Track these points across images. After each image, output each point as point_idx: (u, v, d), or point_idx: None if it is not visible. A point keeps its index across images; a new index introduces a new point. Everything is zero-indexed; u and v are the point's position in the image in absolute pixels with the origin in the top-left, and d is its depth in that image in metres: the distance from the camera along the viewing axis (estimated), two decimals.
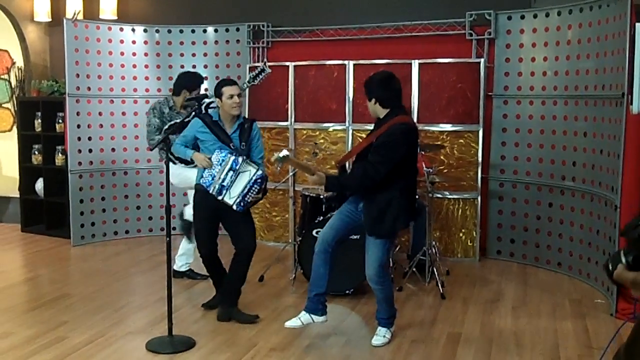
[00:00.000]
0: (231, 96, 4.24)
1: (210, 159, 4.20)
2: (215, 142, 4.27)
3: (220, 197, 4.20)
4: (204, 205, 4.31)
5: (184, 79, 5.15)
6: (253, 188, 4.14)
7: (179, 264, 5.30)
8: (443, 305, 4.68)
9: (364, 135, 5.93)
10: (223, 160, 4.19)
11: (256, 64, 5.00)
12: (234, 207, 4.16)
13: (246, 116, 4.41)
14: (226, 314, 4.34)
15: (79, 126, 6.46)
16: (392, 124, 3.73)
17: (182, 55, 6.87)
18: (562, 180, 5.53)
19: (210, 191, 4.22)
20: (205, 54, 6.88)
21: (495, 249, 6.07)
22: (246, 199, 4.16)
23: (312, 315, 3.94)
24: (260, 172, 4.17)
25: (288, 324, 3.94)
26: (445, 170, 5.88)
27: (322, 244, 3.94)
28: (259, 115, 6.15)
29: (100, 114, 6.61)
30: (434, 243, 5.29)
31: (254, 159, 4.31)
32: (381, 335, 3.97)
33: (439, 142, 5.81)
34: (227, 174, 4.19)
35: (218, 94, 4.27)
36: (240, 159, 4.18)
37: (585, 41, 5.24)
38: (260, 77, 4.78)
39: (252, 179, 4.13)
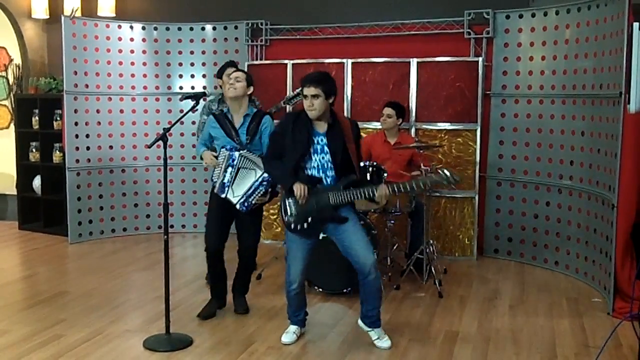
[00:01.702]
0: (229, 76, 4.24)
1: (217, 157, 4.19)
2: (225, 138, 4.23)
3: (223, 195, 4.15)
4: (215, 204, 4.27)
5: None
6: (259, 189, 4.07)
7: None
8: (440, 304, 4.68)
9: (362, 134, 5.94)
10: (224, 157, 4.14)
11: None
12: (237, 206, 4.10)
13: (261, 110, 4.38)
14: (238, 306, 4.45)
15: (76, 123, 6.45)
16: (349, 119, 3.93)
17: (180, 53, 6.86)
18: (560, 179, 5.54)
19: (215, 190, 4.20)
20: (203, 52, 6.87)
21: (493, 247, 6.08)
22: (250, 199, 4.08)
23: (301, 328, 4.04)
24: (266, 174, 4.04)
25: (284, 339, 3.92)
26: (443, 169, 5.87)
27: (298, 286, 3.85)
28: None
29: (98, 111, 6.60)
30: (431, 242, 5.29)
31: (260, 154, 4.19)
32: (384, 336, 3.89)
33: (437, 141, 5.82)
34: (226, 170, 4.13)
35: (220, 75, 4.31)
36: (236, 154, 4.10)
37: (583, 40, 5.25)
38: (296, 99, 4.78)
39: (257, 179, 4.04)
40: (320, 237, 4.08)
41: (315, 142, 3.76)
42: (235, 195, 4.12)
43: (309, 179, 3.74)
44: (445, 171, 3.63)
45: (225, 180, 4.14)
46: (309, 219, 3.74)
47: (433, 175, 3.70)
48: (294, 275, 3.83)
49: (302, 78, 3.79)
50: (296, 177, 3.74)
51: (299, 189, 3.69)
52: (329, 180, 3.76)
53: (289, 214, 3.78)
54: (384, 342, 3.87)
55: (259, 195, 4.08)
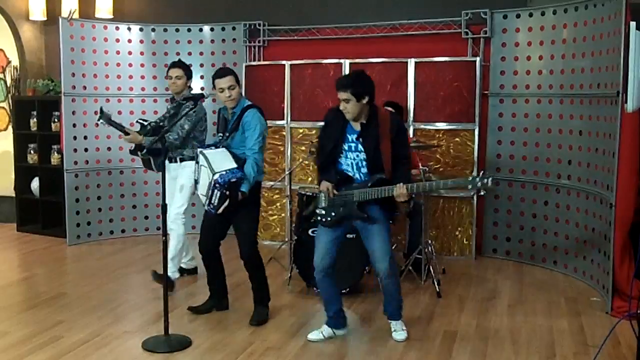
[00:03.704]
0: (222, 90, 4.08)
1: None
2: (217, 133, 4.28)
3: (196, 192, 4.14)
4: None
5: None
6: (215, 193, 3.89)
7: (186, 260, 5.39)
8: (439, 304, 4.69)
9: None
10: None
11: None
12: (205, 207, 4.03)
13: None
14: (253, 315, 4.30)
15: (74, 125, 6.45)
16: (390, 115, 3.84)
17: (178, 54, 6.85)
18: (558, 178, 5.54)
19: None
20: (201, 53, 6.87)
21: (491, 247, 6.08)
22: (212, 201, 3.92)
23: (334, 330, 4.02)
24: (217, 176, 3.84)
25: (310, 336, 3.98)
26: (441, 169, 5.89)
27: (323, 271, 3.88)
28: None
29: (96, 113, 6.52)
30: (430, 242, 5.29)
31: (244, 151, 4.07)
32: (400, 329, 4.00)
33: (434, 141, 5.82)
34: (196, 166, 4.13)
35: (213, 84, 4.13)
36: (198, 151, 4.07)
37: (580, 40, 5.26)
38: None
39: (210, 182, 3.90)
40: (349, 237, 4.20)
41: (350, 139, 3.82)
42: (200, 192, 4.07)
43: (340, 176, 3.83)
44: (476, 176, 3.64)
45: (196, 176, 4.13)
46: (333, 214, 3.83)
47: (459, 178, 3.68)
48: (316, 261, 3.91)
49: (335, 80, 3.82)
50: (327, 174, 3.85)
51: (324, 187, 3.82)
52: (362, 177, 3.82)
53: (319, 206, 3.89)
54: (399, 335, 3.97)
55: (217, 199, 3.89)
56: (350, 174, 3.84)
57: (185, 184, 4.97)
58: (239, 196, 3.96)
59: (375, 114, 3.79)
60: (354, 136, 3.80)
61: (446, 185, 3.89)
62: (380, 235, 3.81)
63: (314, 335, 3.98)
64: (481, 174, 3.64)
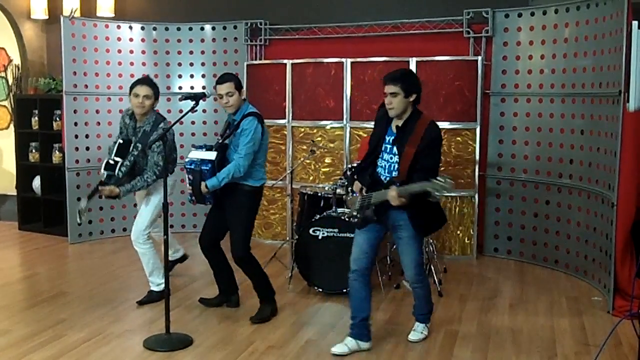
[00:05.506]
0: (220, 96, 4.11)
1: None
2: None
3: None
4: (214, 201, 4.28)
5: None
6: (187, 178, 4.19)
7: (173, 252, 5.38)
8: (440, 303, 4.69)
9: (361, 133, 5.95)
10: None
11: None
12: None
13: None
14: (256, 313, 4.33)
15: (76, 124, 6.46)
16: (428, 124, 3.66)
17: (179, 53, 6.87)
18: (559, 177, 5.54)
19: None
20: (202, 52, 6.88)
21: (493, 246, 6.08)
22: (188, 189, 4.22)
23: (359, 342, 3.79)
24: (187, 160, 4.16)
25: (334, 350, 3.75)
26: (442, 168, 5.87)
27: (357, 271, 3.79)
28: None
29: (97, 111, 6.61)
30: (431, 241, 5.29)
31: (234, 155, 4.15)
32: (419, 331, 4.01)
33: None
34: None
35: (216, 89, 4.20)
36: (193, 148, 4.28)
37: (582, 39, 5.25)
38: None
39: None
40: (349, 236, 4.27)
41: (387, 141, 3.75)
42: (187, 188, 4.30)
43: (371, 178, 3.77)
44: (439, 178, 3.44)
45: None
46: (359, 216, 3.82)
47: (426, 183, 3.55)
48: (351, 260, 3.85)
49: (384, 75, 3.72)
50: (361, 175, 3.83)
51: (356, 188, 3.83)
52: None
53: (355, 207, 3.86)
54: (414, 335, 4.00)
55: (188, 184, 4.19)
56: (382, 177, 3.74)
57: (155, 200, 4.59)
58: (201, 186, 4.08)
59: (415, 120, 3.67)
60: (391, 138, 3.73)
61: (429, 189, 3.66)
62: (406, 243, 3.76)
63: (338, 349, 3.74)
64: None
